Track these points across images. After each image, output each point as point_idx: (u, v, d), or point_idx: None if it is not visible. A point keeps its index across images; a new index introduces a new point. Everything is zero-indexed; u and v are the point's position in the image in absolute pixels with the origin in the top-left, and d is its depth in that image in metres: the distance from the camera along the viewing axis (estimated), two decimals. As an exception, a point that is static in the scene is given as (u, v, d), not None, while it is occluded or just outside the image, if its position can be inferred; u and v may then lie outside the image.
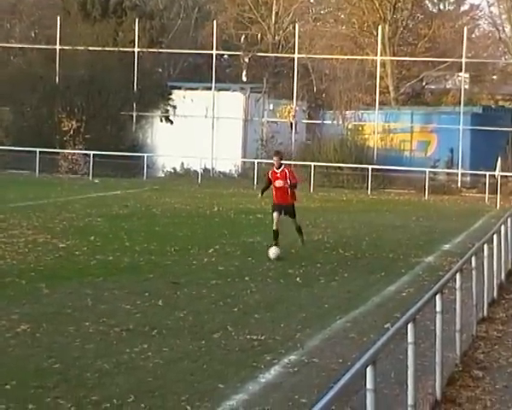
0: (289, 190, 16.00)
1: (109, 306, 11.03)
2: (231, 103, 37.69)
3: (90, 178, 34.51)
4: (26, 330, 9.27)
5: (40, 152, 34.51)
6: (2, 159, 33.35)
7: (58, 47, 36.88)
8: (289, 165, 22.17)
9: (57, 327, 9.65)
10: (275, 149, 20.31)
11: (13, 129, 34.74)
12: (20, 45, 36.77)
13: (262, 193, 17.05)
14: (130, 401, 7.01)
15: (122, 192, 30.13)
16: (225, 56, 40.23)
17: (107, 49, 36.02)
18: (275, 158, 16.73)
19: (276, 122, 39.13)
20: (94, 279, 12.82)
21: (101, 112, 35.51)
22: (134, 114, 37.43)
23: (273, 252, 14.13)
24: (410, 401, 5.84)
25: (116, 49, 36.29)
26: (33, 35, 37.55)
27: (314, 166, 34.09)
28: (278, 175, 16.12)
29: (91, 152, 34.51)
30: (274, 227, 15.84)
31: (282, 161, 17.18)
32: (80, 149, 35.01)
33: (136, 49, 36.68)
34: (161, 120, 37.71)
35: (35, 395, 7.06)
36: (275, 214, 15.82)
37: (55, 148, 34.42)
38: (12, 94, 34.26)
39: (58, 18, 36.77)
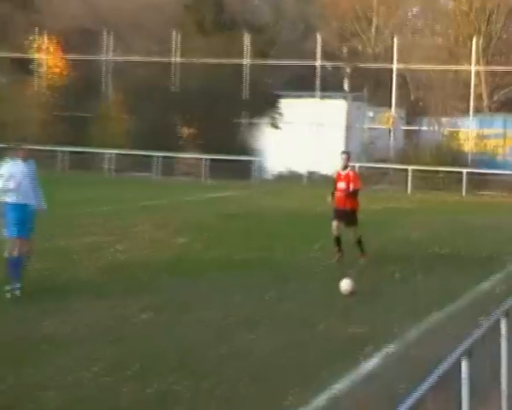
0: (350, 194, 13.96)
1: (223, 297, 11.23)
2: (334, 111, 37.58)
3: (204, 179, 35.36)
4: (148, 318, 9.57)
5: (158, 156, 35.42)
6: (123, 162, 34.98)
7: (174, 60, 37.89)
8: (353, 168, 19.39)
9: (176, 316, 9.94)
10: (342, 150, 18.31)
11: (134, 134, 36.26)
12: (140, 58, 38.14)
13: (332, 196, 14.58)
14: (241, 385, 7.18)
15: (233, 193, 30.47)
16: (328, 67, 40.55)
17: (219, 61, 36.52)
18: (342, 156, 14.72)
19: (375, 128, 39.12)
20: (209, 273, 13.02)
21: (215, 119, 36.14)
22: (244, 120, 38.13)
23: (344, 286, 10.75)
24: (504, 392, 5.74)
25: (227, 61, 37.02)
26: (152, 48, 38.82)
27: (411, 169, 34.22)
28: (342, 177, 14.28)
29: (205, 156, 35.39)
30: (334, 233, 13.72)
31: (350, 163, 15.13)
32: (195, 153, 35.89)
33: (246, 61, 37.38)
34: (269, 127, 37.91)
35: (154, 380, 7.27)
36: (334, 223, 13.73)
37: (173, 152, 35.65)
38: (134, 103, 35.71)
39: (174, 32, 37.70)
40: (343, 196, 13.95)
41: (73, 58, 38.16)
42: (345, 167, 14.04)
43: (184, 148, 37.11)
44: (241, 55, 37.65)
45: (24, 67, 37.66)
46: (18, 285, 10.05)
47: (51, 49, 38.13)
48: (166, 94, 37.58)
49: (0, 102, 34.74)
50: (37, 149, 27.15)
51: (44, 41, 37.98)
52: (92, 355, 7.87)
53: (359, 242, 13.31)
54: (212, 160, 35.05)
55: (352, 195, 13.94)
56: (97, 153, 36.07)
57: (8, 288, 10.18)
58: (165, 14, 38.23)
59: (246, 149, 37.07)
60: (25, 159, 10.92)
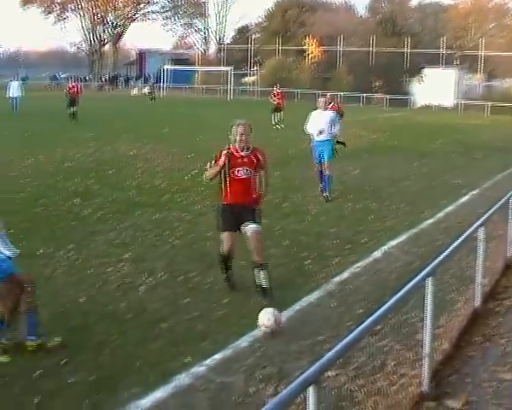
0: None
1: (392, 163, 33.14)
2: (449, 74, 59.95)
3: (385, 107, 56.76)
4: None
5: (363, 96, 59.48)
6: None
7: (371, 49, 68.94)
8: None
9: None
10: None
11: (353, 86, 62.89)
12: (358, 49, 71.69)
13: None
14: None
15: (400, 114, 47.80)
16: (446, 53, 68.24)
17: (395, 50, 65.66)
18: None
19: (471, 83, 62.36)
20: (389, 151, 34.11)
21: (391, 77, 63.12)
22: (405, 78, 63.74)
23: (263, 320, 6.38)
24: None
25: (399, 50, 67.62)
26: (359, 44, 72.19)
27: (489, 104, 53.13)
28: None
29: (386, 96, 59.31)
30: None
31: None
32: (381, 94, 60.83)
33: (407, 51, 67.73)
34: (417, 82, 61.90)
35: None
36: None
37: (370, 93, 62.00)
38: (356, 70, 67.49)
39: (372, 36, 68.83)
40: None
41: (322, 48, 72.33)
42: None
43: (376, 91, 63.84)
44: (404, 47, 67.28)
45: (300, 53, 72.86)
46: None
47: (313, 44, 72.62)
48: (368, 66, 66.87)
49: (290, 71, 69.72)
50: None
51: (309, 41, 72.54)
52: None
53: None
54: (389, 98, 58.92)
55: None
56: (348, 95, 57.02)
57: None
58: (367, 27, 72.48)
59: (406, 92, 61.25)
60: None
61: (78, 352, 5.94)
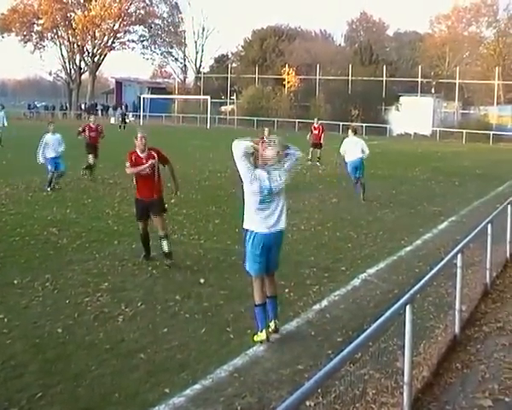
0: None
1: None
2: (426, 103, 61.63)
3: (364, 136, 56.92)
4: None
5: (341, 124, 58.29)
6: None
7: (349, 78, 67.68)
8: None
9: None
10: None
11: (327, 115, 63.17)
12: (334, 77, 71.71)
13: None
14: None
15: (378, 142, 47.35)
16: (424, 81, 70.59)
17: (371, 78, 65.13)
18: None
19: (447, 111, 63.19)
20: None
21: (369, 105, 63.24)
22: (383, 107, 64.69)
23: None
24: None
25: (375, 78, 65.42)
26: (336, 73, 72.95)
27: (465, 131, 54.37)
28: None
29: (364, 124, 58.41)
30: None
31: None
32: (357, 123, 61.23)
33: (384, 79, 65.42)
34: (394, 110, 63.45)
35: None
36: None
37: (346, 122, 60.45)
38: (331, 99, 68.03)
39: (350, 65, 68.10)
40: None
41: (300, 77, 72.62)
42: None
43: (353, 121, 61.29)
44: (381, 75, 67.00)
45: (278, 81, 73.15)
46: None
47: (291, 73, 72.78)
48: (346, 94, 66.71)
49: (268, 100, 69.94)
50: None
51: (287, 69, 72.47)
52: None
53: None
54: (367, 126, 57.42)
55: None
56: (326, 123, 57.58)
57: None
58: (344, 56, 73.41)
59: (383, 120, 62.68)
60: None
61: (55, 384, 5.85)
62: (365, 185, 17.60)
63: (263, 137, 7.49)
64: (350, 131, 18.50)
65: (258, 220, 6.77)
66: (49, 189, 17.83)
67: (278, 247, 7.02)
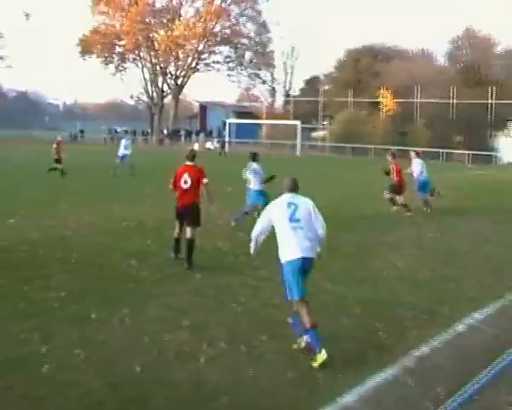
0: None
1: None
2: None
3: (467, 164, 57.16)
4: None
5: (443, 152, 59.00)
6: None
7: (452, 101, 67.41)
8: None
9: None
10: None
11: (431, 142, 61.92)
12: (435, 100, 70.97)
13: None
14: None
15: (484, 172, 47.36)
16: None
17: (477, 101, 64.02)
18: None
19: None
20: (466, 212, 29.22)
21: (474, 131, 61.41)
22: (490, 132, 63.60)
23: None
24: None
25: (482, 101, 64.51)
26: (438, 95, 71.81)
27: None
28: None
29: (468, 151, 58.20)
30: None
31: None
32: (463, 150, 59.83)
33: (491, 101, 64.89)
34: (504, 136, 61.87)
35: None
36: None
37: (451, 149, 60.85)
38: (433, 124, 68.28)
39: (452, 87, 67.74)
40: None
41: (398, 100, 72.31)
42: None
43: (457, 147, 62.59)
44: (488, 97, 66.07)
45: (373, 105, 72.94)
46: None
47: (387, 96, 72.52)
48: (448, 119, 65.93)
49: (364, 125, 69.80)
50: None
51: (384, 92, 72.33)
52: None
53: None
54: (472, 154, 58.22)
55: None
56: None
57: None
58: (447, 76, 72.21)
59: (490, 148, 61.87)
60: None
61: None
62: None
63: None
64: (412, 153, 22.73)
65: None
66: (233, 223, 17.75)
67: None
